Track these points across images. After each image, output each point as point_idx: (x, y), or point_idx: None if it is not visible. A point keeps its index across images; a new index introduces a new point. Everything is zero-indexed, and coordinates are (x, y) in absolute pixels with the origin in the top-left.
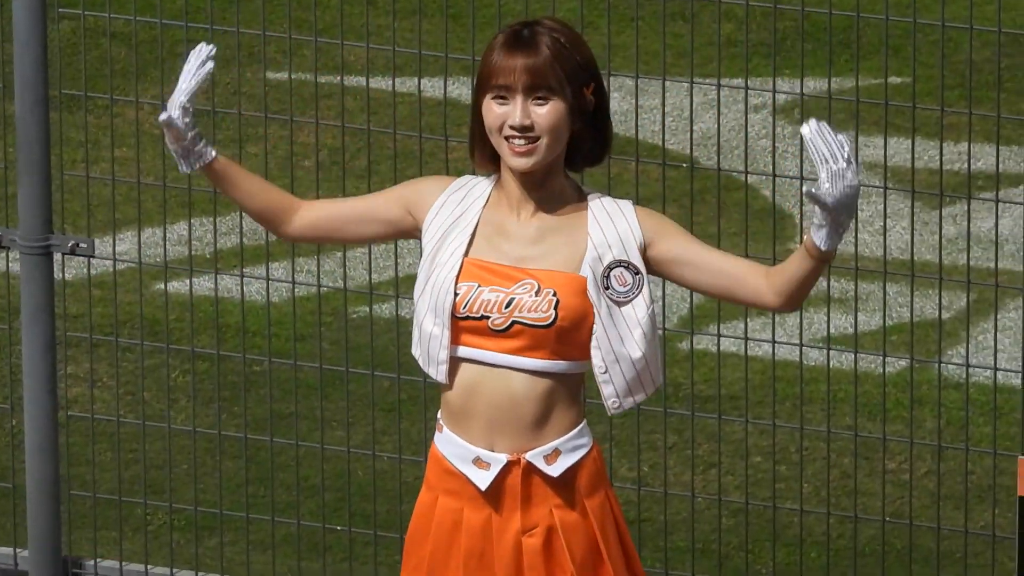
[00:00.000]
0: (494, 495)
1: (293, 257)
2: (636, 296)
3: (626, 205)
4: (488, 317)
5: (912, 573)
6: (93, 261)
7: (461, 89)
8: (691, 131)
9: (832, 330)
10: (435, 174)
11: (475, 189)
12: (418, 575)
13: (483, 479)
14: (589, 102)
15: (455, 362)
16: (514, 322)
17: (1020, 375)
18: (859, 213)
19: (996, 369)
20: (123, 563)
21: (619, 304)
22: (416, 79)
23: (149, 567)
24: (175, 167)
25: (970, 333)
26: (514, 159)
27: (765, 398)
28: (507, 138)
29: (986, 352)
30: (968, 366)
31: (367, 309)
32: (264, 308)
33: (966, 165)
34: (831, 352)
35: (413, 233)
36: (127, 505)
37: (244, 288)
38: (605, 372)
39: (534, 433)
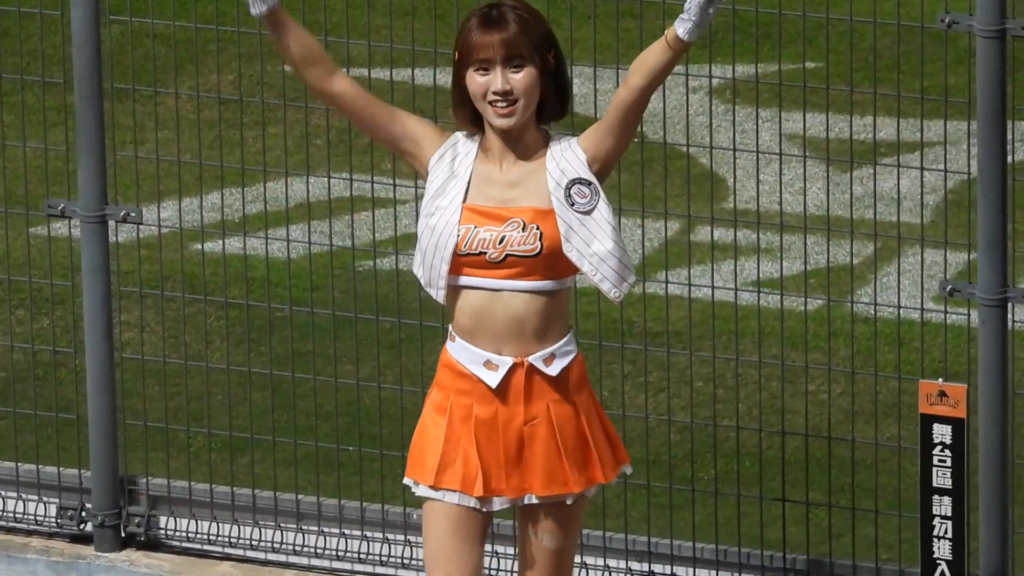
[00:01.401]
0: (501, 392)
1: (309, 220)
2: (597, 202)
3: (571, 138)
4: (485, 253)
5: (830, 478)
6: (141, 227)
7: (447, 78)
8: None
9: (761, 275)
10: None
11: (466, 146)
12: (421, 464)
13: (493, 378)
14: (551, 65)
15: (462, 289)
16: (507, 255)
17: (919, 311)
18: (783, 176)
19: (899, 307)
20: (170, 480)
21: (586, 213)
22: (410, 70)
23: (192, 483)
24: (209, 146)
25: (876, 276)
26: (498, 120)
27: (705, 333)
28: (491, 103)
29: (890, 291)
30: (875, 304)
31: (371, 263)
32: (285, 263)
33: (871, 135)
34: (760, 293)
35: (409, 159)
36: (172, 431)
37: (268, 247)
38: (596, 272)
39: (533, 341)
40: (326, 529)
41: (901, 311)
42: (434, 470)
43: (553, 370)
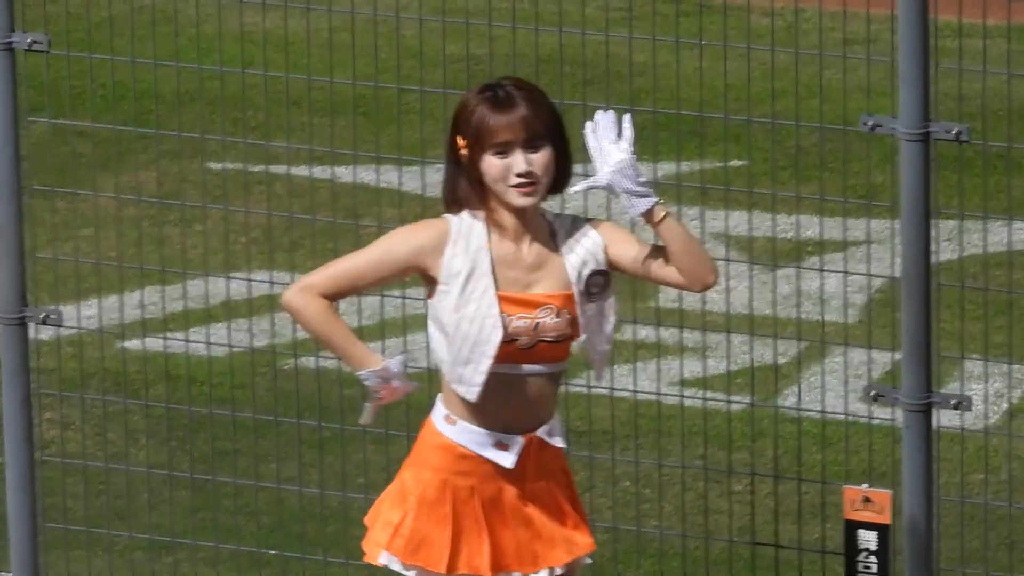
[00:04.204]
0: (511, 471)
1: (229, 320)
2: (607, 291)
3: (580, 222)
4: (516, 340)
5: None
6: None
7: (369, 175)
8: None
9: (685, 374)
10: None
11: (472, 230)
12: (423, 548)
13: (508, 459)
14: (565, 144)
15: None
16: (539, 341)
17: (843, 415)
18: None
19: (823, 412)
20: None
21: (598, 304)
22: (330, 168)
23: None
24: (133, 243)
25: (801, 376)
26: (520, 200)
27: (630, 432)
28: (513, 185)
29: (817, 391)
30: (800, 409)
31: (293, 362)
32: (207, 362)
33: (799, 234)
34: (684, 393)
35: (427, 273)
36: (95, 533)
37: (188, 346)
38: (600, 356)
39: (543, 414)
40: None
41: (829, 412)
42: (445, 557)
43: (558, 441)
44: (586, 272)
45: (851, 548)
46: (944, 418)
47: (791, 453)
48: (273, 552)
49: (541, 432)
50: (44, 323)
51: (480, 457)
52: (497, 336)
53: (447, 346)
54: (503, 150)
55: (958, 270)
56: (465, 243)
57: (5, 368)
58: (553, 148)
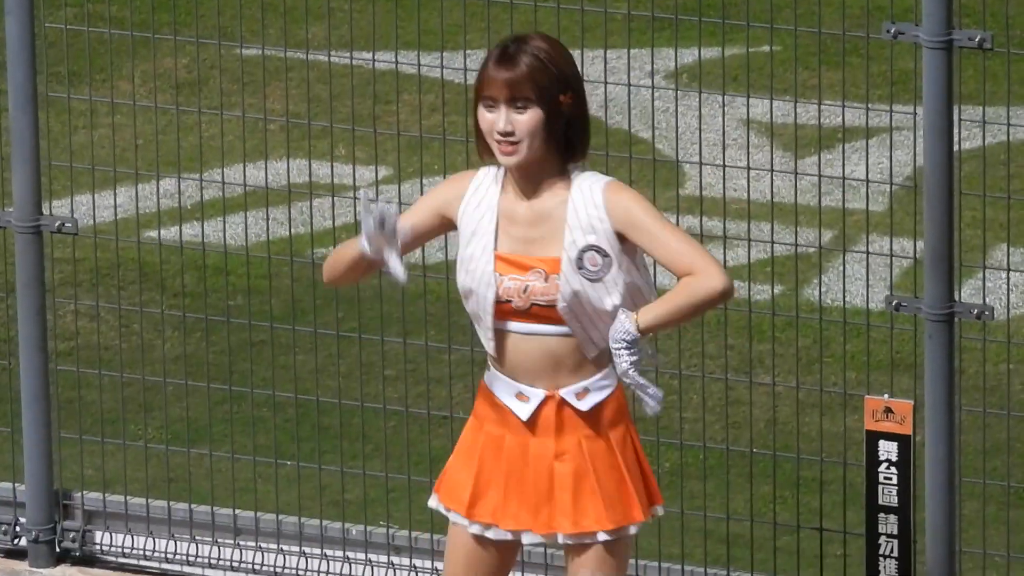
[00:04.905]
0: (532, 425)
1: (267, 206)
2: (607, 274)
3: (596, 190)
4: (510, 301)
5: (775, 492)
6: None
7: (405, 64)
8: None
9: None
10: (457, 171)
11: (490, 185)
12: (456, 492)
13: (524, 410)
14: (566, 108)
15: (495, 329)
16: (532, 304)
17: (863, 323)
18: (742, 162)
19: (844, 320)
20: (105, 494)
21: (592, 281)
22: (369, 53)
23: (128, 497)
24: (162, 131)
25: (829, 265)
26: (503, 158)
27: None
28: (496, 141)
29: (849, 281)
30: (820, 316)
31: (327, 249)
32: (240, 250)
33: (828, 120)
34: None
35: (451, 229)
36: (111, 433)
37: (215, 236)
38: (591, 344)
39: (568, 375)
40: (264, 545)
41: (853, 308)
42: (466, 501)
43: (585, 404)
44: (581, 244)
45: (872, 460)
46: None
47: (820, 343)
48: (289, 464)
49: (566, 392)
50: (59, 231)
51: (506, 406)
52: (490, 295)
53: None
54: (492, 104)
55: (981, 160)
56: (480, 197)
57: (20, 276)
58: (546, 112)
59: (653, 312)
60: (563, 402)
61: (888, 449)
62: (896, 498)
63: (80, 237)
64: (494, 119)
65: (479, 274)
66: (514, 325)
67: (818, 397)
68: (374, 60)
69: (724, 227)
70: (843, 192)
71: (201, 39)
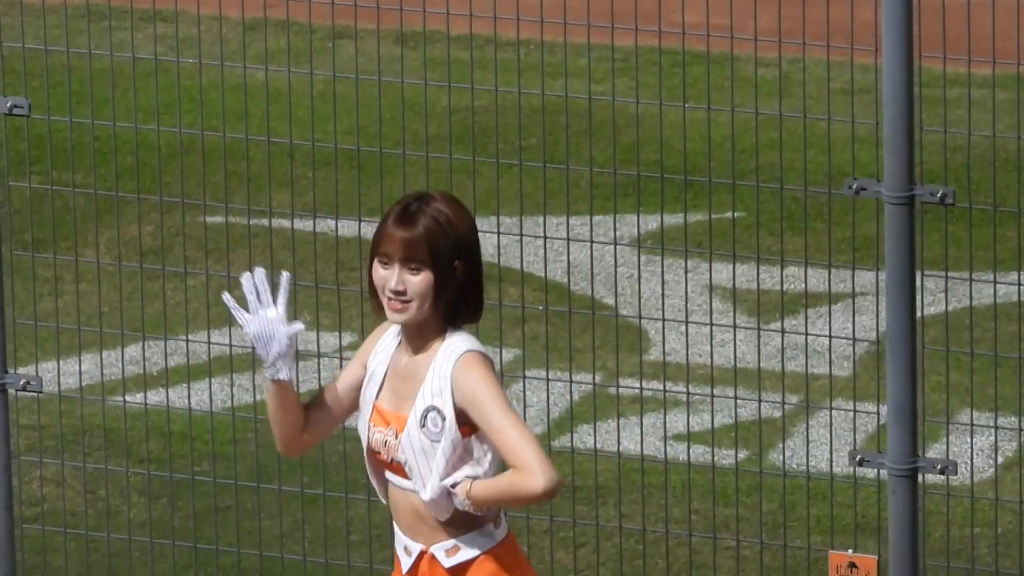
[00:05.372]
0: None
1: (231, 372)
2: (444, 436)
3: (451, 359)
4: (379, 452)
5: None
6: (55, 389)
7: (368, 229)
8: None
9: (680, 429)
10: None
11: (392, 337)
12: None
13: (405, 564)
14: (459, 273)
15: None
16: (392, 458)
17: (828, 477)
18: (704, 328)
19: (808, 477)
20: None
21: (432, 441)
22: (332, 220)
23: None
24: (128, 298)
25: (792, 430)
26: (391, 315)
27: (625, 487)
28: (387, 297)
29: (809, 445)
30: (783, 474)
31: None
32: (205, 417)
33: (791, 286)
34: (683, 448)
35: None
36: None
37: (179, 402)
38: (424, 492)
39: (439, 531)
40: None
41: (817, 468)
42: None
43: (450, 562)
44: (427, 403)
45: None
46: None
47: (788, 507)
48: None
49: (436, 548)
50: (24, 390)
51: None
52: (364, 444)
53: None
54: (386, 262)
55: (944, 325)
56: (383, 346)
57: None
58: (438, 276)
59: (484, 488)
60: (432, 558)
61: None
62: None
63: (45, 403)
64: (387, 276)
65: (362, 423)
66: (389, 476)
67: (783, 560)
68: (337, 227)
69: (688, 391)
70: (806, 356)
71: (165, 206)
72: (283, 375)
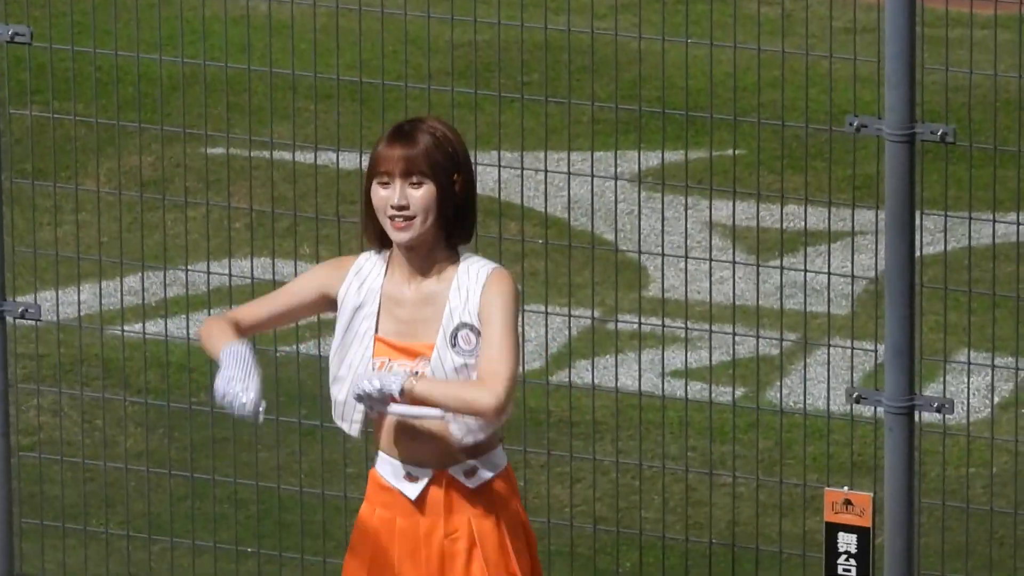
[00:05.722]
0: (421, 504)
1: (231, 303)
2: (478, 352)
3: (483, 273)
4: None
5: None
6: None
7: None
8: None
9: (678, 365)
10: (339, 254)
11: (373, 269)
12: (364, 551)
13: (413, 490)
14: (458, 187)
15: (378, 412)
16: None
17: (825, 415)
18: (704, 265)
19: (804, 413)
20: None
21: (464, 358)
22: (333, 153)
23: None
24: (127, 228)
25: (791, 368)
26: (396, 234)
27: (623, 423)
28: (390, 217)
29: (810, 384)
30: (780, 410)
31: (292, 348)
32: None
33: (791, 224)
34: (681, 384)
35: (329, 310)
36: (76, 522)
37: (177, 333)
38: (452, 417)
39: (455, 454)
40: None
41: (814, 406)
42: None
43: (473, 482)
44: (456, 321)
45: (831, 550)
46: (928, 414)
47: (785, 444)
48: (251, 549)
49: (455, 469)
50: (22, 317)
51: (396, 488)
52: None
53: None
54: (386, 181)
55: (943, 265)
56: (362, 279)
57: None
58: (440, 188)
59: (428, 386)
60: (452, 480)
61: (847, 541)
62: None
63: (43, 333)
64: (388, 195)
65: (358, 361)
66: (398, 408)
67: (779, 498)
68: (338, 159)
69: (686, 327)
70: (804, 294)
71: (166, 137)
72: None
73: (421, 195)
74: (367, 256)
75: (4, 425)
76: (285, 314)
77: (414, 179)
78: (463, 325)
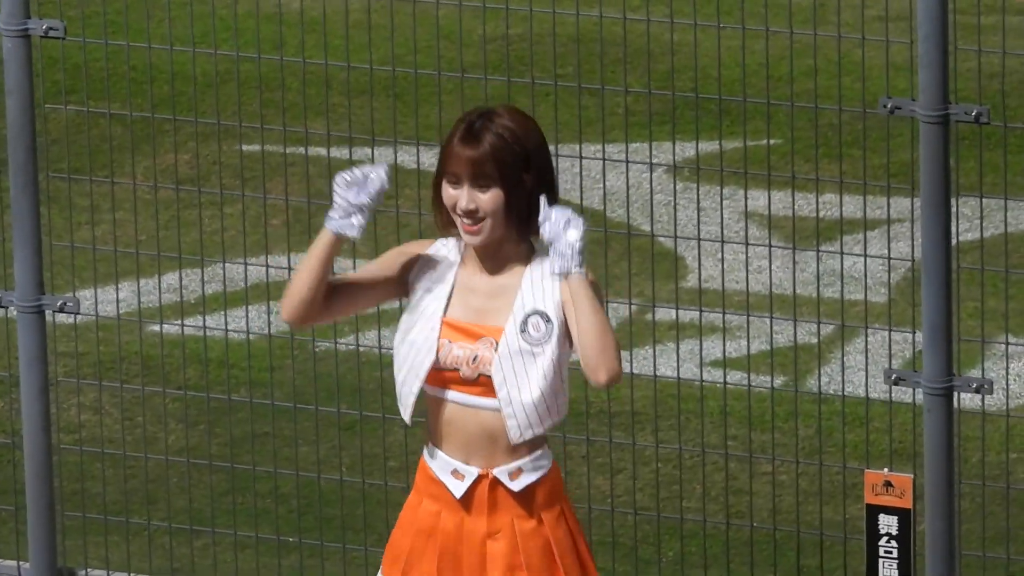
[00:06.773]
0: (466, 502)
1: (268, 300)
2: (547, 341)
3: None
4: (458, 369)
5: (775, 565)
6: (92, 313)
7: (406, 157)
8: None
9: (718, 355)
10: (414, 238)
11: (449, 254)
12: (396, 565)
13: (458, 488)
14: (529, 184)
15: (433, 397)
16: (480, 374)
17: (864, 398)
18: (741, 255)
19: (843, 396)
20: (109, 571)
21: (532, 346)
22: (368, 149)
23: (132, 575)
24: (165, 226)
25: (829, 355)
26: (467, 236)
27: (664, 413)
28: (459, 216)
29: (848, 371)
30: (819, 395)
31: (330, 344)
32: (242, 345)
33: (827, 213)
34: (719, 375)
35: (402, 292)
36: (117, 518)
37: (227, 328)
38: (509, 406)
39: (503, 454)
40: None
41: (854, 394)
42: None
43: (517, 485)
44: (528, 308)
45: (872, 532)
46: (968, 399)
47: (826, 432)
48: (292, 540)
49: (500, 471)
50: (61, 311)
51: (442, 482)
52: (428, 360)
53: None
54: (455, 181)
55: (980, 251)
56: (436, 263)
57: (23, 356)
58: (508, 191)
59: (594, 293)
60: (496, 481)
61: (888, 523)
62: (896, 572)
63: (82, 331)
64: (457, 195)
65: (421, 339)
66: (454, 395)
67: (819, 485)
68: (373, 155)
69: (724, 315)
70: (842, 282)
71: (201, 134)
72: (351, 232)
73: (489, 198)
74: (443, 242)
75: (45, 422)
76: (367, 287)
77: (481, 183)
78: (535, 312)
